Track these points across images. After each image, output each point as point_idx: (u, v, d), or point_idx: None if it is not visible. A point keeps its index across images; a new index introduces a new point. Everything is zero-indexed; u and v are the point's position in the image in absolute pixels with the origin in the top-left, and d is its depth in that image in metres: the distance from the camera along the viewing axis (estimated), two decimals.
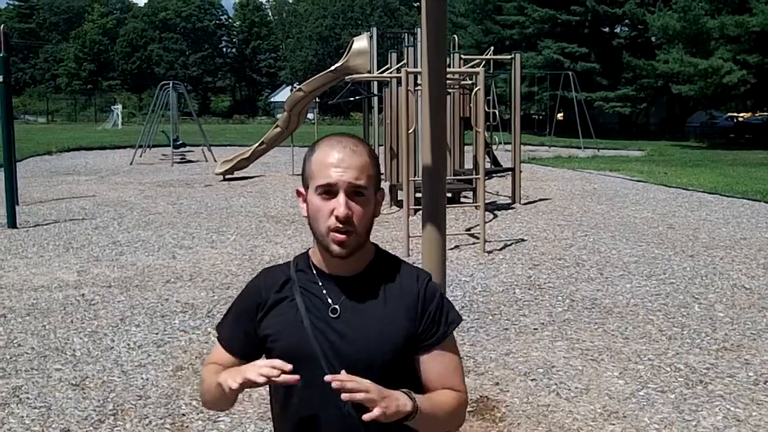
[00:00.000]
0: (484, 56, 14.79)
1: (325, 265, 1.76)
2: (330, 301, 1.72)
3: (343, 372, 1.58)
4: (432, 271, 2.46)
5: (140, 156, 22.43)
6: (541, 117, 39.54)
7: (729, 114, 44.13)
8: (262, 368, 1.59)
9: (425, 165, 2.29)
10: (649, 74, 35.36)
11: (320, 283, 1.75)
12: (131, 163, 21.00)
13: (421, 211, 2.72)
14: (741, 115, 42.15)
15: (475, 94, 10.33)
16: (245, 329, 1.80)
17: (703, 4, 29.16)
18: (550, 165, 20.64)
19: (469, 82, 12.80)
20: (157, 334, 5.70)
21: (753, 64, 28.44)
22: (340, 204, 1.66)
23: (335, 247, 1.68)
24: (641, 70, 36.18)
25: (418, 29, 12.15)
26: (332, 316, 1.70)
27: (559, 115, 35.22)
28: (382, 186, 1.79)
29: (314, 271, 1.77)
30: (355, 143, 1.74)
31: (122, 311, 6.30)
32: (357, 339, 1.68)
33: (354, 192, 1.68)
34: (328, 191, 1.68)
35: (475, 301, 6.59)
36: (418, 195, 7.11)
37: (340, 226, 1.66)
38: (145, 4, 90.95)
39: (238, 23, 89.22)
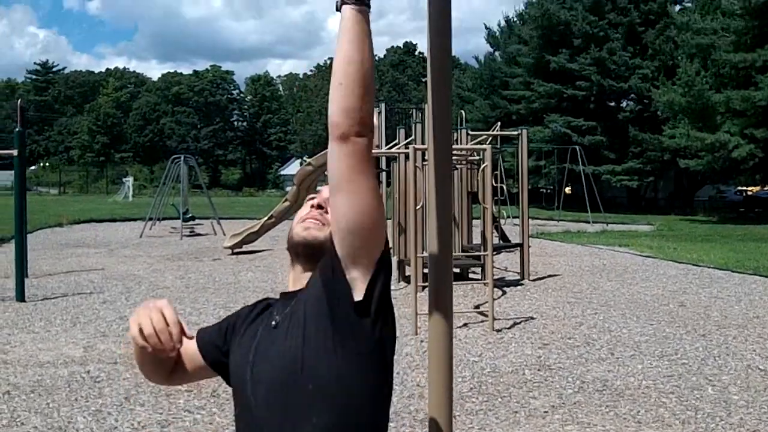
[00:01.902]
0: (491, 132, 14.92)
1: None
2: (275, 315, 1.67)
3: None
4: (439, 351, 2.44)
5: (150, 229, 22.54)
6: (549, 191, 39.71)
7: (738, 188, 44.28)
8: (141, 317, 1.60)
9: (431, 241, 2.28)
10: (655, 148, 35.62)
11: (276, 301, 1.76)
12: (141, 236, 21.09)
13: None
14: (750, 188, 42.28)
15: (483, 170, 10.38)
16: (221, 326, 1.81)
17: (707, 79, 29.50)
18: (559, 240, 20.61)
19: (477, 157, 12.89)
20: (161, 413, 5.62)
21: (760, 138, 28.60)
22: (321, 192, 1.75)
23: (298, 230, 1.71)
24: (648, 144, 36.46)
25: (426, 104, 12.31)
26: (274, 330, 1.65)
27: (567, 189, 35.43)
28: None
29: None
30: None
31: (127, 389, 6.23)
32: (273, 357, 1.60)
33: None
34: (313, 198, 1.78)
35: (484, 382, 6.49)
36: (427, 271, 7.09)
37: (315, 209, 1.72)
38: (159, 78, 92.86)
39: (249, 97, 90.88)
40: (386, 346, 1.65)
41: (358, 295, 1.58)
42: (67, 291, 11.34)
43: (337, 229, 1.57)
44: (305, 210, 1.75)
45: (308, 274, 1.67)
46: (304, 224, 1.70)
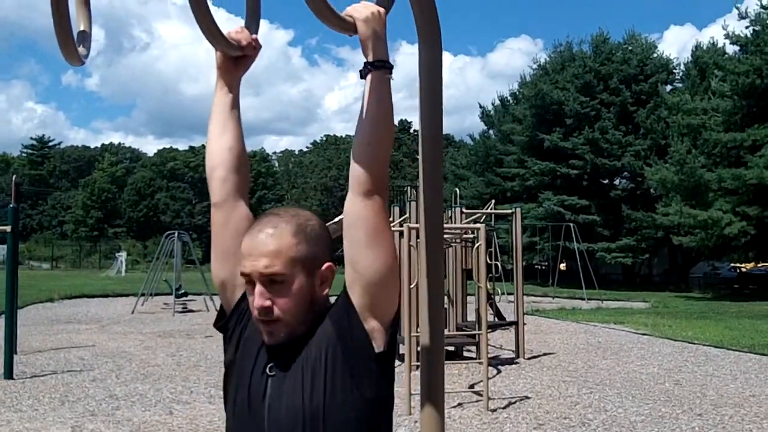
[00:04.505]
0: (485, 210, 15.00)
1: None
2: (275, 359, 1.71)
3: None
4: None
5: (142, 305, 22.39)
6: (543, 267, 39.71)
7: (732, 264, 44.35)
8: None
9: (423, 323, 2.29)
10: (649, 225, 35.78)
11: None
12: (133, 312, 20.92)
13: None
14: (744, 265, 42.35)
15: (477, 249, 10.40)
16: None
17: (699, 158, 29.84)
18: (554, 317, 20.49)
19: (471, 235, 12.92)
20: None
21: (753, 216, 28.77)
22: (255, 295, 1.65)
23: (265, 337, 1.67)
24: (641, 221, 36.63)
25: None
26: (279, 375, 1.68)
27: (562, 265, 35.44)
28: (328, 263, 1.71)
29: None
30: (276, 223, 1.70)
31: None
32: (291, 404, 1.64)
33: (270, 281, 1.63)
34: (248, 281, 1.67)
35: None
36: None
37: (260, 317, 1.65)
38: (155, 153, 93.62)
39: None
40: (391, 398, 1.75)
41: (379, 346, 1.65)
42: (57, 368, 11.19)
43: (362, 282, 1.63)
44: (253, 304, 1.66)
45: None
46: (263, 328, 1.67)
